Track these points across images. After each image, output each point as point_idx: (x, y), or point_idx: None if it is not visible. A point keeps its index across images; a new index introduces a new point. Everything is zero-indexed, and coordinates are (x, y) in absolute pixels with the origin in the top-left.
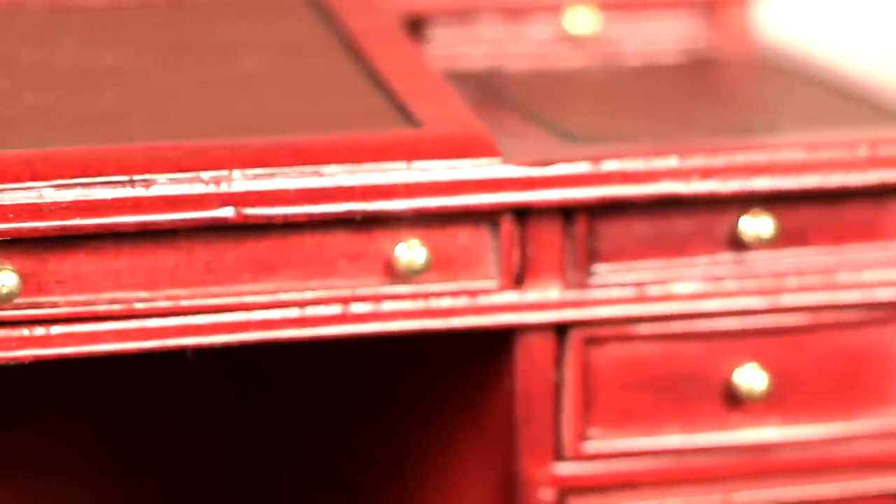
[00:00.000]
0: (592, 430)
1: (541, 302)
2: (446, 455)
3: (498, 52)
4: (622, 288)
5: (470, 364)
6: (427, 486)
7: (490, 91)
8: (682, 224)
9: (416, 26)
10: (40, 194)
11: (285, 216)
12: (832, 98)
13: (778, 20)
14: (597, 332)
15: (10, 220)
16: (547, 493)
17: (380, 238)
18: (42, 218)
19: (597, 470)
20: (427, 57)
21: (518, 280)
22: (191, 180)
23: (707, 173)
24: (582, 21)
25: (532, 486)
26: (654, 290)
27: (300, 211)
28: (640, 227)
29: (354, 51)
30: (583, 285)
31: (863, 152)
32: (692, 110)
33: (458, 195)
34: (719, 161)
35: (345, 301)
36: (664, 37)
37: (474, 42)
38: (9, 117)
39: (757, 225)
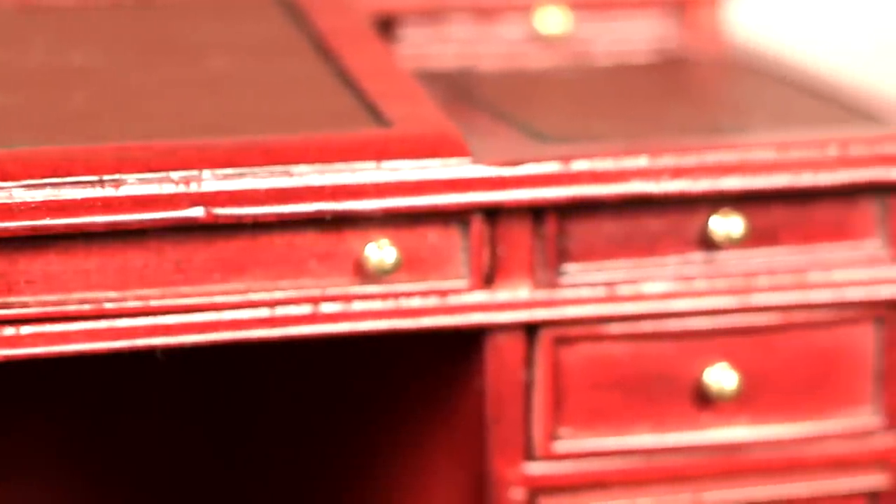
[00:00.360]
0: (563, 430)
1: (511, 302)
2: (417, 455)
3: (469, 51)
4: (592, 287)
5: (440, 364)
6: (398, 485)
7: (461, 91)
8: (652, 224)
9: (386, 26)
10: (10, 194)
11: (255, 216)
12: (803, 97)
13: (749, 20)
14: (567, 332)
15: None
16: (517, 493)
17: (350, 238)
18: (12, 218)
19: (567, 470)
20: (398, 57)
21: (488, 280)
22: (160, 180)
23: (677, 173)
24: (553, 21)
25: (502, 486)
26: (624, 290)
27: (270, 211)
28: (610, 227)
29: (325, 50)
30: (553, 285)
31: (833, 152)
32: (663, 110)
33: (427, 195)
34: (689, 161)
35: (315, 301)
36: (635, 36)
37: (445, 42)
38: None
39: (727, 224)
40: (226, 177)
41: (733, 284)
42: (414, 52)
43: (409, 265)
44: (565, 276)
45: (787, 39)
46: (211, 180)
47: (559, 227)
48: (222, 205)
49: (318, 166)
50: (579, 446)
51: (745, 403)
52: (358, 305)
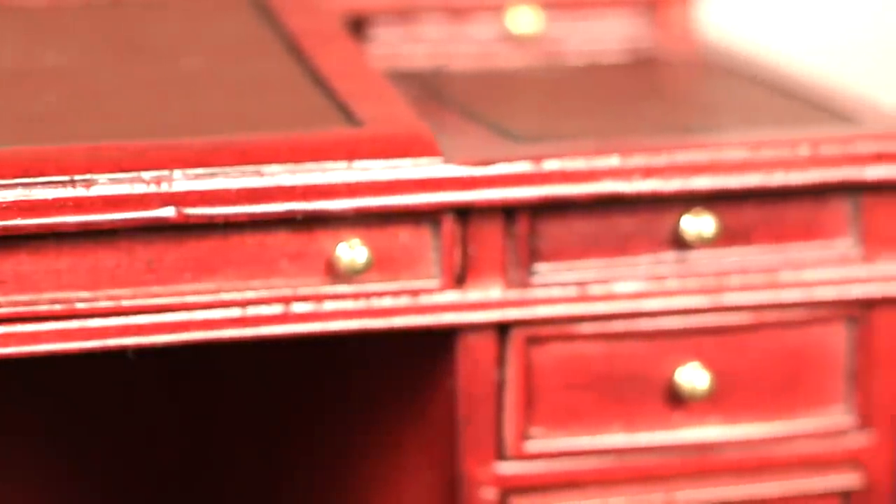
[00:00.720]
0: (535, 430)
1: (482, 301)
2: (389, 454)
3: (440, 51)
4: (564, 287)
5: (412, 363)
6: (370, 485)
7: (432, 90)
8: (624, 223)
9: (358, 26)
10: None
11: (226, 216)
12: (774, 97)
13: (720, 19)
14: (539, 332)
15: None
16: (489, 493)
17: (321, 238)
18: None
19: (539, 469)
20: (369, 56)
21: (459, 279)
22: (132, 180)
23: (649, 172)
24: (524, 20)
25: (474, 486)
26: (595, 290)
27: (241, 211)
28: (581, 227)
29: (296, 50)
30: (524, 285)
31: (804, 151)
32: (635, 110)
33: (399, 195)
34: (661, 160)
35: (286, 301)
36: (607, 36)
37: (416, 41)
38: None
39: (699, 224)
40: (197, 177)
41: (705, 284)
42: (385, 52)
43: (380, 265)
44: (537, 275)
45: (759, 39)
46: (182, 180)
47: (530, 226)
48: (193, 205)
49: (289, 166)
50: (551, 446)
51: (717, 403)
52: (329, 305)
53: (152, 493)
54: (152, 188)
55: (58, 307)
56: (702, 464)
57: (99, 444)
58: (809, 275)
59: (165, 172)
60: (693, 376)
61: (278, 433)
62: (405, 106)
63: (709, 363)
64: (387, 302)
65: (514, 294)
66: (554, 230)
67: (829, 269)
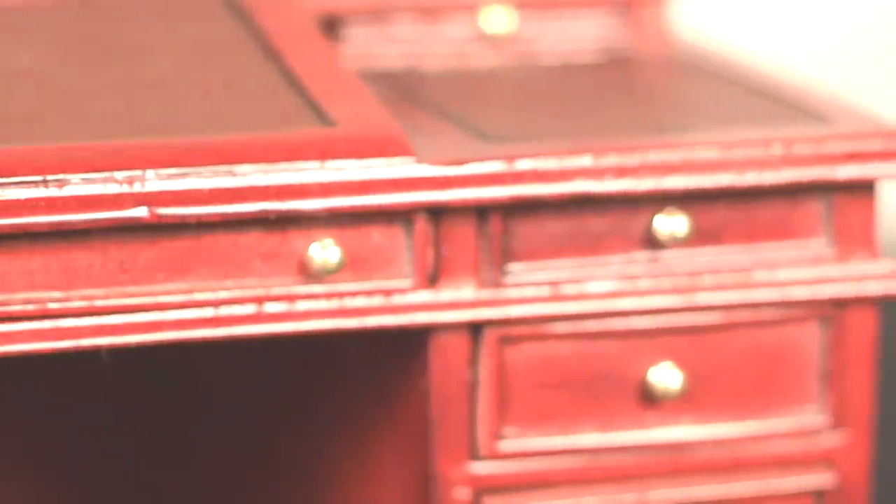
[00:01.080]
0: (508, 430)
1: (455, 301)
2: (363, 454)
3: (413, 51)
4: (537, 287)
5: (386, 363)
6: (343, 486)
7: (405, 91)
8: (596, 223)
9: (331, 26)
10: None
11: (199, 216)
12: (748, 96)
13: (694, 19)
14: (511, 332)
15: None
16: (462, 493)
17: (294, 237)
18: None
19: (512, 469)
20: (342, 57)
21: (432, 279)
22: (105, 180)
23: (621, 172)
24: (498, 20)
25: (448, 486)
26: (568, 289)
27: (214, 211)
28: (554, 226)
29: (269, 51)
30: (497, 284)
31: (777, 151)
32: (608, 109)
33: (371, 194)
34: (633, 160)
35: (259, 301)
36: (580, 36)
37: (390, 42)
38: None
39: (671, 223)
40: (170, 177)
41: (678, 283)
42: (359, 52)
43: (353, 265)
44: (510, 275)
45: (733, 38)
46: (155, 180)
47: (503, 226)
48: (166, 205)
49: (262, 166)
50: (524, 446)
51: (690, 402)
52: (302, 305)
53: (117, 496)
54: (125, 188)
55: (31, 307)
56: (675, 463)
57: (75, 443)
58: (782, 274)
59: (138, 172)
60: (666, 376)
61: (250, 434)
62: (378, 106)
63: (682, 363)
64: (360, 302)
65: (486, 294)
66: (527, 230)
67: (801, 268)
